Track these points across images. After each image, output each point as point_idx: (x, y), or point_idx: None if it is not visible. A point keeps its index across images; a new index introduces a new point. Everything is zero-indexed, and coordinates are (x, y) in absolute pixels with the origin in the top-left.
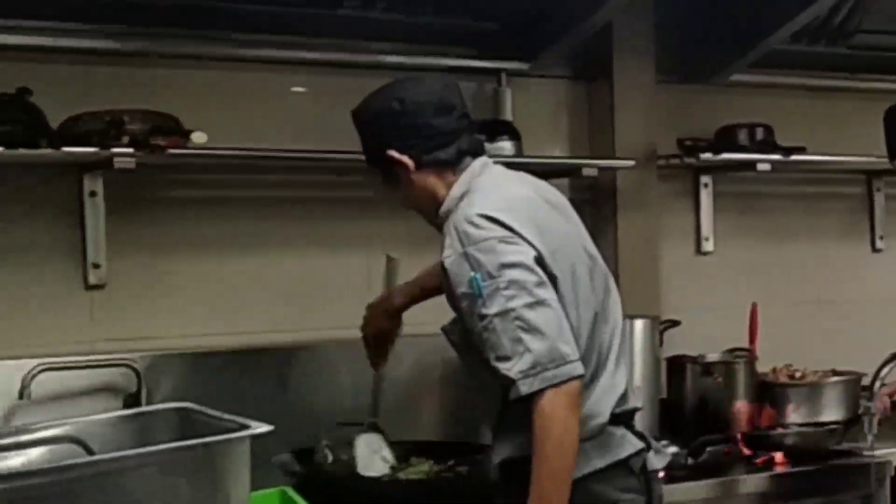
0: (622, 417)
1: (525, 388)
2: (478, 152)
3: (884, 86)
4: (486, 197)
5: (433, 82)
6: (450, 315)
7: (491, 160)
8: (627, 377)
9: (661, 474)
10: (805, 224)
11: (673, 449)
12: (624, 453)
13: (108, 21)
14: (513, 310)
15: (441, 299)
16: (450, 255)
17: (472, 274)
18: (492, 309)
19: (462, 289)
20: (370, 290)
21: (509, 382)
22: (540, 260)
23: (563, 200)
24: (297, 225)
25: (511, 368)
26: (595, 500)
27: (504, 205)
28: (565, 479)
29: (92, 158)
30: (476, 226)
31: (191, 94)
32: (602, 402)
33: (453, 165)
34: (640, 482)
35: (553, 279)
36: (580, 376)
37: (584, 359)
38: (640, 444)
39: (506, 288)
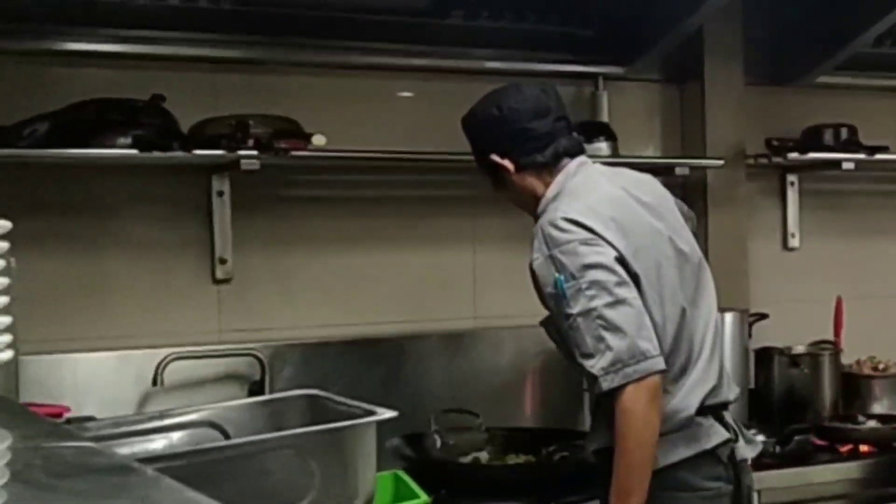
0: (712, 409)
1: (606, 384)
2: (576, 153)
3: None
4: (574, 200)
5: (530, 89)
6: None
7: (589, 160)
8: (721, 370)
9: (750, 462)
10: (888, 220)
11: (761, 438)
12: (711, 443)
13: (234, 32)
14: (594, 309)
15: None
16: (537, 257)
17: (557, 275)
18: (575, 308)
19: (549, 289)
20: (474, 284)
21: (592, 379)
22: (621, 260)
23: (657, 197)
24: (404, 222)
25: (594, 366)
26: (682, 487)
27: (587, 207)
28: (645, 471)
29: (220, 160)
30: (560, 229)
31: (309, 99)
32: (691, 395)
33: (551, 166)
34: (728, 471)
35: (635, 278)
36: (661, 371)
37: (672, 353)
38: (727, 435)
39: (588, 288)
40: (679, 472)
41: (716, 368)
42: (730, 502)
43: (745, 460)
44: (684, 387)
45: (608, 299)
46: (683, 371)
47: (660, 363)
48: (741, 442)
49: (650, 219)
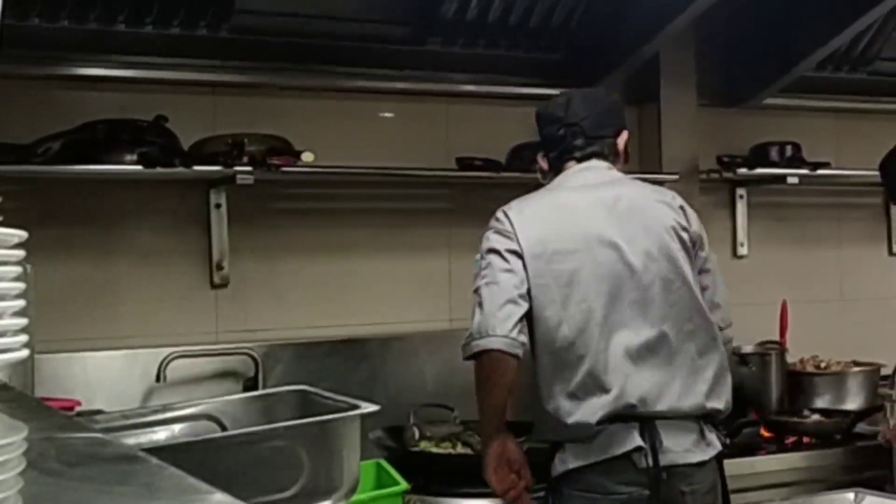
0: (631, 417)
1: (463, 354)
2: (582, 157)
3: None
4: (529, 197)
5: (557, 97)
6: None
7: (598, 165)
8: (659, 381)
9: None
10: (829, 231)
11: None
12: (620, 450)
13: (231, 58)
14: (478, 287)
15: None
16: None
17: (476, 255)
18: (474, 284)
19: None
20: (450, 288)
21: None
22: (519, 254)
23: (631, 213)
24: (386, 232)
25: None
26: (593, 489)
27: (525, 203)
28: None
29: (217, 175)
30: (495, 218)
31: (299, 119)
32: (596, 409)
33: (559, 167)
34: (645, 477)
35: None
36: (491, 351)
37: (570, 349)
38: (637, 443)
39: (483, 269)
40: (589, 474)
41: (646, 380)
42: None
43: (671, 466)
44: (589, 400)
45: (488, 280)
46: (591, 376)
47: (493, 342)
48: (671, 449)
49: (594, 228)
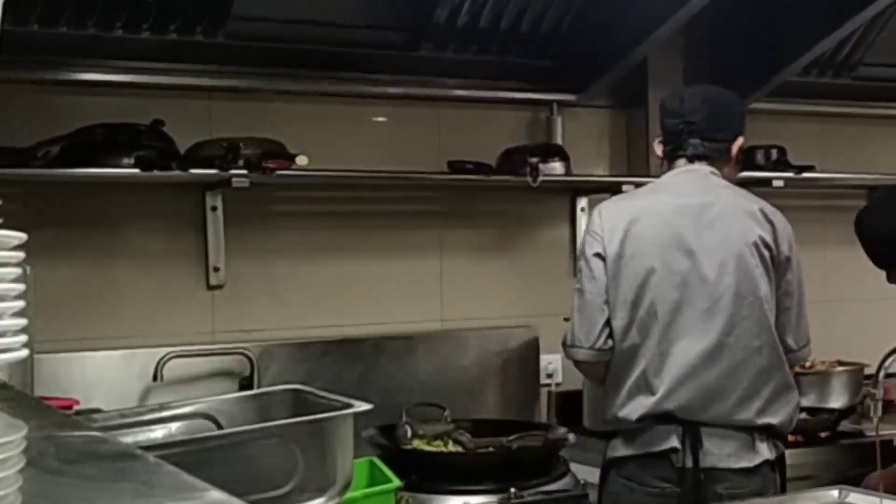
0: (671, 418)
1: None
2: (692, 156)
3: (884, 112)
4: (625, 194)
5: (679, 90)
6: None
7: (692, 166)
8: (705, 389)
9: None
10: (814, 233)
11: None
12: (656, 448)
13: (227, 64)
14: (576, 289)
15: (496, 295)
16: None
17: None
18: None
19: None
20: (441, 290)
21: None
22: (602, 257)
23: (709, 223)
24: (379, 234)
25: None
26: (631, 478)
27: (617, 204)
28: None
29: (213, 178)
30: (593, 215)
31: (294, 123)
32: (635, 405)
33: (670, 160)
34: (679, 475)
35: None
36: (580, 362)
37: (633, 353)
38: (673, 444)
39: (579, 272)
40: (631, 464)
41: (696, 389)
42: (679, 502)
43: (711, 469)
44: (637, 399)
45: (579, 287)
46: (644, 377)
47: (580, 354)
48: (711, 452)
49: (674, 235)
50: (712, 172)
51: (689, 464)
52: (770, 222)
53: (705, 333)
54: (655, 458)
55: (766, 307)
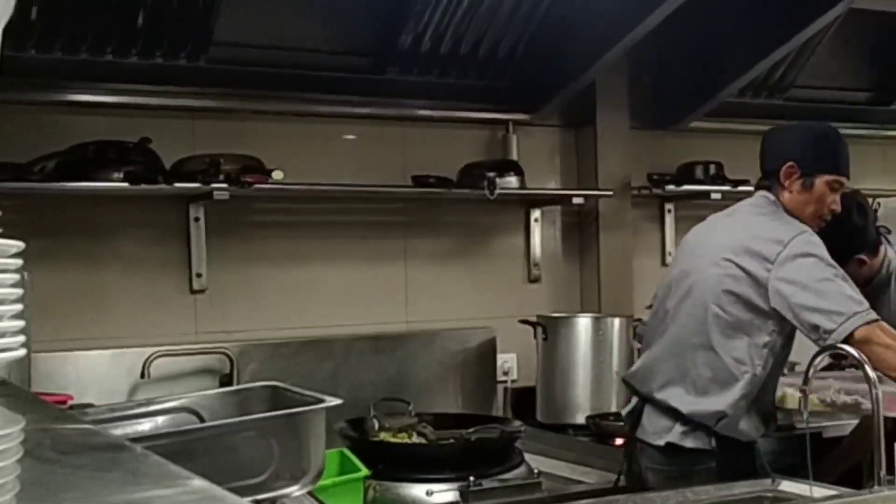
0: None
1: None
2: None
3: None
4: None
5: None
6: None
7: (758, 196)
8: (649, 366)
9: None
10: None
11: (671, 433)
12: (624, 411)
13: (209, 86)
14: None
15: (457, 298)
16: None
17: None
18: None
19: None
20: (406, 294)
21: None
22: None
23: (713, 235)
24: (349, 242)
25: None
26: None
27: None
28: None
29: (196, 192)
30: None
31: (270, 140)
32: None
33: None
34: (631, 439)
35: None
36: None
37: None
38: (626, 410)
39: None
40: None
41: (647, 364)
42: (628, 462)
43: (641, 440)
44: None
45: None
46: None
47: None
48: (644, 425)
49: (699, 239)
50: (763, 196)
51: (633, 431)
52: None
53: (668, 322)
54: (625, 419)
55: (713, 317)
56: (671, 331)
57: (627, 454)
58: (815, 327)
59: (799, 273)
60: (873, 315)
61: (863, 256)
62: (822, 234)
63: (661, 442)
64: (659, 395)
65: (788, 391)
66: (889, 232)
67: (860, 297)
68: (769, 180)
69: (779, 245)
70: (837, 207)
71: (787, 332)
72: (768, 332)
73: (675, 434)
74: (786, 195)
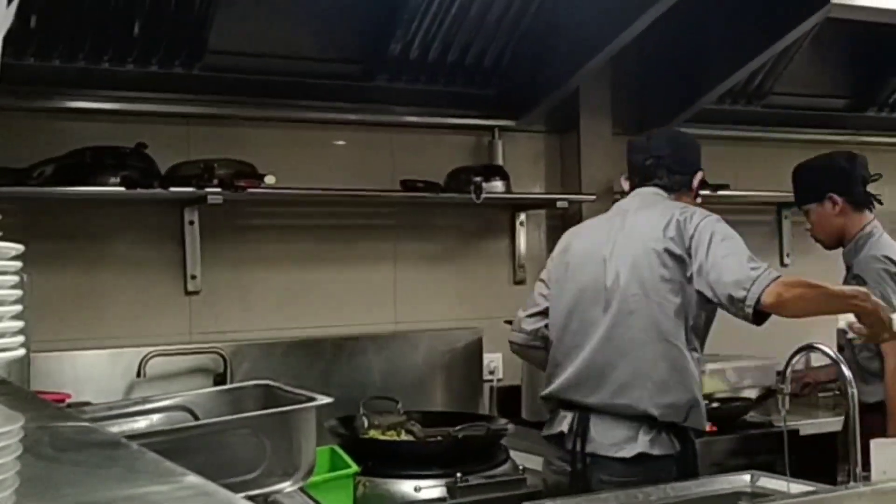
0: (570, 404)
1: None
2: (636, 184)
3: (791, 136)
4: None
5: (646, 133)
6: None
7: (643, 190)
8: (601, 376)
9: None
10: None
11: (638, 445)
12: (553, 431)
13: (203, 93)
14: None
15: (444, 300)
16: None
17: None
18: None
19: None
20: (395, 295)
21: None
22: (547, 280)
23: (622, 235)
24: (339, 245)
25: None
26: (546, 455)
27: (563, 241)
28: None
29: (191, 196)
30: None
31: (263, 146)
32: (548, 384)
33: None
34: (570, 457)
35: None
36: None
37: (556, 344)
38: (560, 429)
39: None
40: (546, 443)
41: (586, 372)
42: (571, 481)
43: (594, 454)
44: (548, 377)
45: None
46: (556, 364)
47: (511, 336)
48: (595, 439)
49: (594, 246)
50: (654, 193)
51: (579, 448)
52: (679, 223)
53: (600, 327)
54: (555, 439)
55: (657, 306)
56: (613, 335)
57: (572, 473)
58: (731, 298)
59: (709, 253)
60: (774, 273)
61: (835, 196)
62: (805, 166)
63: (629, 454)
64: (618, 401)
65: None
66: (880, 203)
67: (757, 261)
68: (669, 179)
69: (690, 227)
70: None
71: (709, 311)
72: (697, 316)
73: (642, 443)
74: (687, 198)
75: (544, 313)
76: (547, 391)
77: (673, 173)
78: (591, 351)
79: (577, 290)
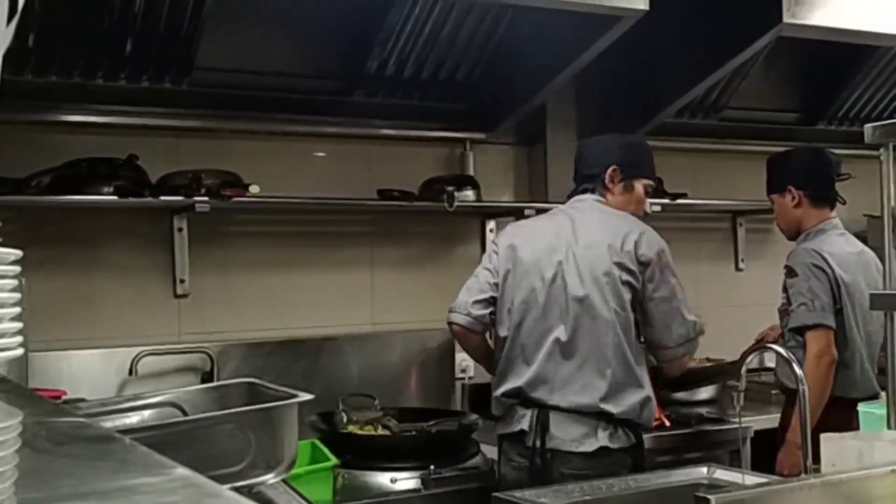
0: (530, 402)
1: None
2: (578, 191)
3: (745, 148)
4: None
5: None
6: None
7: (586, 199)
8: (558, 377)
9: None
10: (688, 250)
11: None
12: (513, 429)
13: (191, 107)
14: None
15: (419, 302)
16: None
17: None
18: None
19: None
20: (372, 298)
21: None
22: (495, 270)
23: (584, 241)
24: (320, 250)
25: None
26: (504, 452)
27: (514, 226)
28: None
29: (180, 204)
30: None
31: (248, 157)
32: (503, 383)
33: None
34: (531, 453)
35: (503, 280)
36: (455, 324)
37: (511, 343)
38: (521, 427)
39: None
40: (504, 441)
41: (544, 373)
42: (529, 476)
43: (555, 450)
44: (502, 375)
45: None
46: (510, 362)
47: (454, 318)
48: (556, 435)
49: (546, 248)
50: (596, 200)
51: (539, 444)
52: (635, 244)
53: (556, 330)
54: (514, 437)
55: (613, 312)
56: (573, 337)
57: (531, 468)
58: (656, 344)
59: (656, 289)
60: (697, 343)
61: (794, 190)
62: (774, 157)
63: (589, 448)
64: (579, 400)
65: None
66: (843, 202)
67: (693, 322)
68: (590, 182)
69: (644, 256)
70: (648, 209)
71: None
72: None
73: (602, 437)
74: (610, 198)
75: (490, 302)
76: (503, 389)
77: (585, 177)
78: (549, 353)
79: (530, 290)
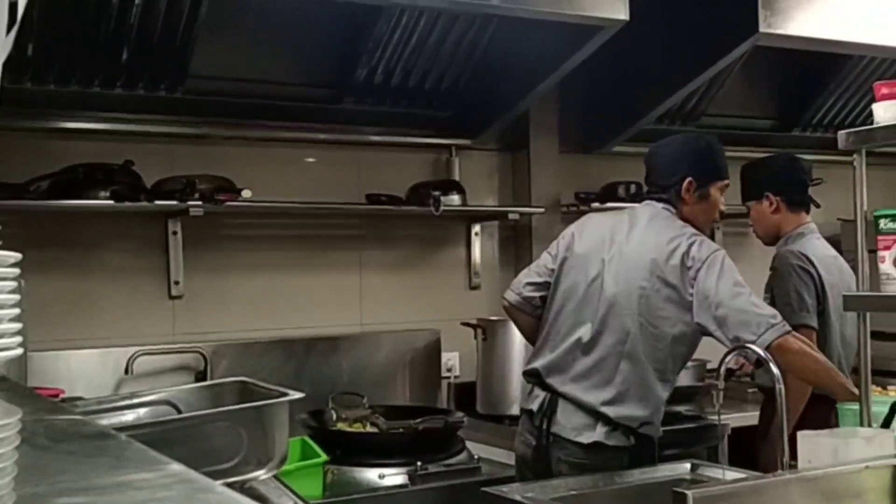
0: (546, 386)
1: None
2: (646, 197)
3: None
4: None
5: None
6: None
7: (655, 204)
8: (579, 366)
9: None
10: None
11: (592, 435)
12: (526, 406)
13: (185, 114)
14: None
15: (406, 303)
16: None
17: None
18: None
19: None
20: (360, 300)
21: None
22: (556, 255)
23: (628, 243)
24: (310, 253)
25: None
26: (519, 427)
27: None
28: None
29: (174, 208)
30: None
31: (240, 163)
32: (533, 360)
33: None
34: (536, 434)
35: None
36: (504, 298)
37: (548, 324)
38: (529, 407)
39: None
40: (524, 415)
41: (562, 362)
42: (534, 454)
43: (556, 435)
44: (533, 354)
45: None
46: (544, 342)
47: (507, 294)
48: (559, 421)
49: (597, 245)
50: (664, 208)
51: (545, 426)
52: (684, 254)
53: (585, 325)
54: (526, 414)
55: (640, 326)
56: (594, 337)
57: (536, 447)
58: (738, 339)
59: (718, 289)
60: (787, 327)
61: (771, 196)
62: (749, 165)
63: (586, 440)
64: (582, 397)
65: None
66: (817, 206)
67: (771, 309)
68: (665, 193)
69: (696, 261)
70: (724, 208)
71: (697, 342)
72: (686, 344)
73: (599, 433)
74: (682, 207)
75: (543, 286)
76: (528, 367)
77: (656, 186)
78: (573, 345)
79: (573, 284)
